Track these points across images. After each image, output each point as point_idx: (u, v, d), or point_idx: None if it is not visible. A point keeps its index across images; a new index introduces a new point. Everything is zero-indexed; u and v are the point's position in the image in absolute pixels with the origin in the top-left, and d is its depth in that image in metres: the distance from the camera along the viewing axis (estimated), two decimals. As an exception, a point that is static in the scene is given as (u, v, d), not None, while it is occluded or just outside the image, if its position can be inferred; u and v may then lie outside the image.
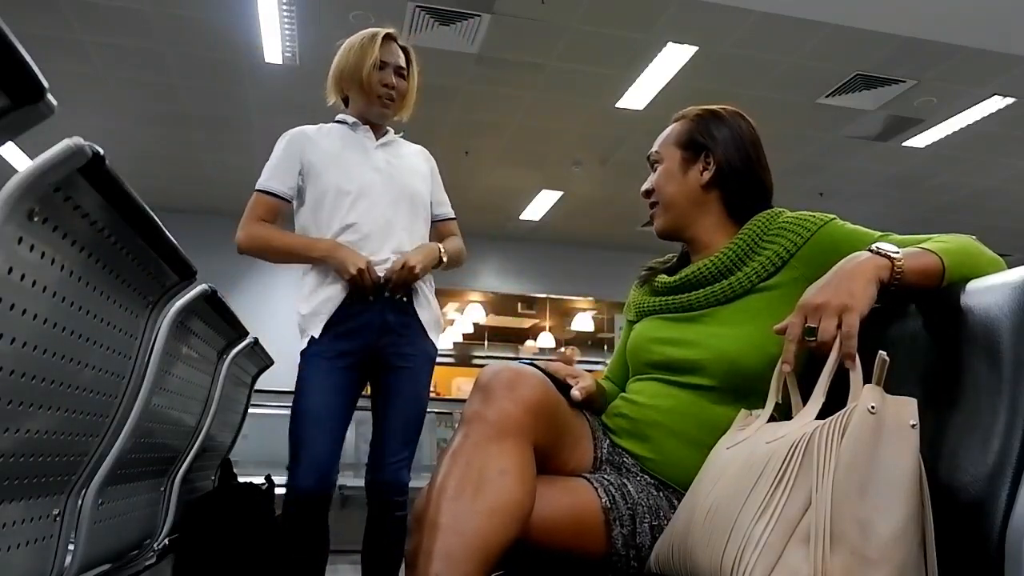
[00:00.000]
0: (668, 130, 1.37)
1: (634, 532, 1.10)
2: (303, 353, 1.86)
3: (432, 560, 0.91)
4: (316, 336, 1.84)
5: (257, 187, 1.93)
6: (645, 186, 1.37)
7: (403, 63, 1.99)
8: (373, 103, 1.95)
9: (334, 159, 1.92)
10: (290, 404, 1.86)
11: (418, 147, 2.11)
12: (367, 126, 1.99)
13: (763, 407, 1.06)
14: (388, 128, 2.04)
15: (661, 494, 1.15)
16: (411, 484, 1.90)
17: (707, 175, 1.29)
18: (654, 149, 1.36)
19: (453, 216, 2.12)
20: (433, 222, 2.09)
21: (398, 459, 1.86)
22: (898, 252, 1.00)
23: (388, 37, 1.98)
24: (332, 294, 1.85)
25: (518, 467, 0.99)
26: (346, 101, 2.04)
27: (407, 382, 1.89)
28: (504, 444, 1.00)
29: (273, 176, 1.92)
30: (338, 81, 2.00)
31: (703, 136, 1.30)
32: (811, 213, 1.24)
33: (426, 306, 1.94)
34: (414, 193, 1.97)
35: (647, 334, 1.31)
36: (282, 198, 1.92)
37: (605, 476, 1.16)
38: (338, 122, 2.01)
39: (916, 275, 1.00)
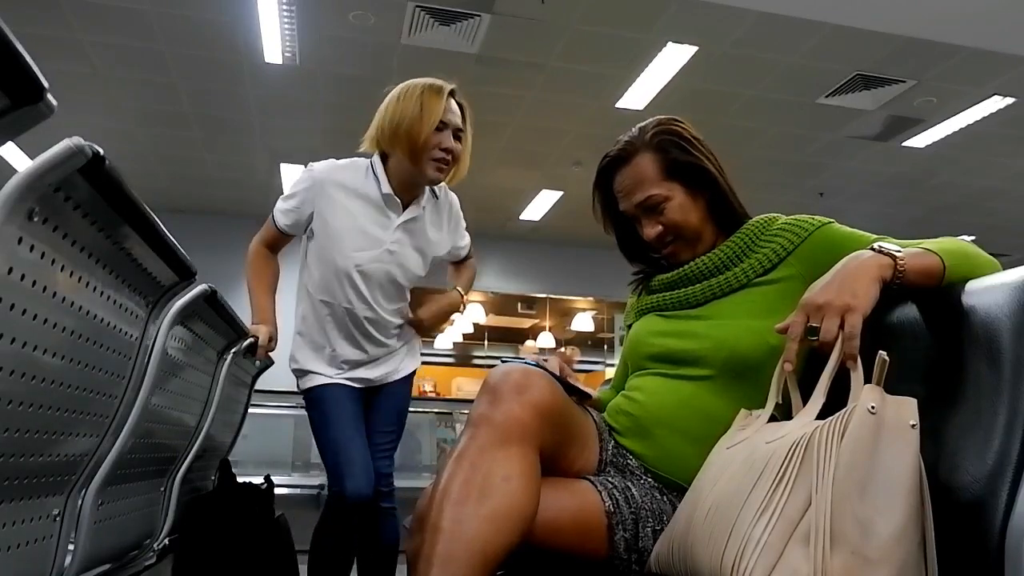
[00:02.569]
0: (632, 171, 1.29)
1: (637, 536, 1.10)
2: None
3: (433, 564, 0.90)
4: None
5: (272, 217, 1.98)
6: (655, 230, 1.28)
7: (461, 124, 1.83)
8: (426, 168, 1.77)
9: (347, 230, 1.86)
10: (290, 404, 1.89)
11: (449, 200, 2.00)
12: (399, 200, 1.86)
13: (763, 402, 1.06)
14: (425, 190, 1.90)
15: (664, 497, 1.15)
16: (410, 484, 1.92)
17: (707, 190, 1.29)
18: (648, 194, 1.27)
19: (470, 248, 2.14)
20: (454, 262, 2.15)
21: (382, 452, 1.94)
22: (900, 251, 1.01)
23: (450, 94, 1.81)
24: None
25: (523, 473, 0.99)
26: (384, 157, 1.87)
27: (391, 397, 2.01)
28: (510, 449, 0.99)
29: (287, 214, 1.94)
30: (387, 136, 1.79)
31: (685, 156, 1.28)
32: (808, 216, 1.26)
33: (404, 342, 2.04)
34: (414, 274, 1.96)
35: (646, 328, 1.32)
36: (288, 234, 1.98)
37: (609, 479, 1.16)
38: (371, 172, 1.87)
39: (917, 274, 1.00)
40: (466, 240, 2.10)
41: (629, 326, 1.43)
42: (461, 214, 2.05)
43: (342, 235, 1.86)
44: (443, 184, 1.92)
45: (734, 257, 1.26)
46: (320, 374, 1.92)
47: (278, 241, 2.00)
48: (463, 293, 2.07)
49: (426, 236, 1.95)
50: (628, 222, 1.35)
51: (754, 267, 1.23)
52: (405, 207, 1.88)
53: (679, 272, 1.29)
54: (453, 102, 1.82)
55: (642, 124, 1.33)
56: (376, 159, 1.87)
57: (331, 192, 1.86)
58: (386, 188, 1.84)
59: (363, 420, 1.92)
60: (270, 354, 2.09)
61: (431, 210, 1.95)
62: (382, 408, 1.98)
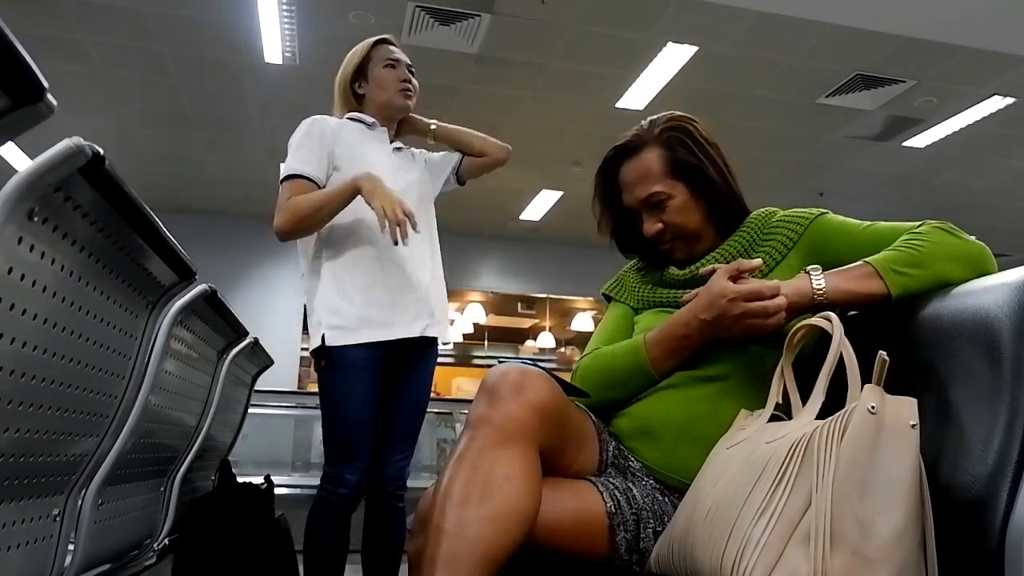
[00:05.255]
0: (639, 164, 1.29)
1: (638, 537, 1.10)
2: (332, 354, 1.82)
3: (436, 566, 0.90)
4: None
5: (289, 172, 1.83)
6: (656, 227, 1.29)
7: (409, 61, 2.02)
8: (395, 98, 1.96)
9: (357, 154, 1.89)
10: (290, 404, 1.88)
11: (420, 151, 2.12)
12: (384, 128, 1.99)
13: (764, 402, 1.07)
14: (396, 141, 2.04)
15: (666, 498, 1.15)
16: (410, 484, 1.92)
17: (708, 193, 1.29)
18: (651, 190, 1.28)
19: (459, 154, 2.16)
20: (460, 167, 2.13)
21: (402, 456, 1.91)
22: (821, 283, 1.10)
23: (385, 41, 2.01)
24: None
25: (524, 472, 0.98)
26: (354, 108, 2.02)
27: (417, 382, 1.94)
28: (510, 449, 0.99)
29: (307, 161, 1.84)
30: (346, 90, 1.98)
31: (690, 156, 1.28)
32: (803, 208, 1.28)
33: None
34: (424, 193, 2.01)
35: (655, 326, 1.28)
36: (318, 183, 1.84)
37: (610, 480, 1.15)
38: (353, 119, 1.97)
39: (846, 296, 1.09)
40: (442, 154, 2.16)
41: (623, 302, 1.41)
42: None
43: (352, 162, 1.86)
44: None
45: (740, 255, 1.27)
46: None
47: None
48: (431, 125, 2.09)
49: (420, 169, 2.05)
50: (627, 214, 1.35)
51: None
52: (390, 139, 2.02)
53: (692, 270, 1.29)
54: (393, 46, 2.01)
55: (654, 117, 1.33)
56: (352, 112, 2.00)
57: (333, 128, 1.91)
58: (370, 120, 1.98)
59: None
60: (270, 354, 2.08)
61: (416, 158, 2.08)
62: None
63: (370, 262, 1.84)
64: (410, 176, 1.98)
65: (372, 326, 1.81)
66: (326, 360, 1.82)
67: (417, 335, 1.84)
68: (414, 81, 2.00)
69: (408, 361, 1.90)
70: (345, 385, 1.80)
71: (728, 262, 1.27)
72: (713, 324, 1.14)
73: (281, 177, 1.85)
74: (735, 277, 1.14)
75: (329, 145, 1.86)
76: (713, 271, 1.18)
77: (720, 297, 1.12)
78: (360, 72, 1.98)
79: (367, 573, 1.91)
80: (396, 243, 1.71)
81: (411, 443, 1.95)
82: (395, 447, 1.90)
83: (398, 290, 1.84)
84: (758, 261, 1.17)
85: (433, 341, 1.92)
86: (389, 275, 1.84)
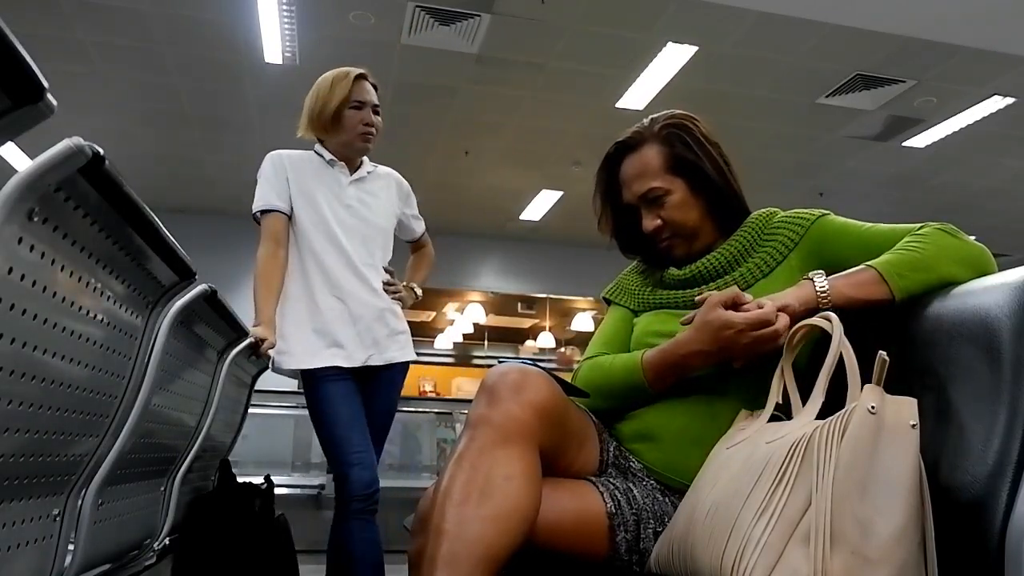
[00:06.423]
0: (639, 160, 1.30)
1: (638, 537, 1.10)
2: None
3: (436, 566, 0.90)
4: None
5: (260, 208, 2.01)
6: (654, 223, 1.29)
7: (376, 100, 2.08)
8: (355, 140, 2.04)
9: (311, 191, 2.02)
10: (290, 404, 1.88)
11: (387, 171, 2.20)
12: (343, 163, 2.07)
13: (764, 402, 1.07)
14: (363, 160, 2.12)
15: (666, 499, 1.15)
16: (411, 484, 1.92)
17: (707, 190, 1.29)
18: (650, 186, 1.28)
19: (424, 229, 2.31)
20: (412, 241, 2.31)
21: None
22: (825, 288, 1.10)
23: (361, 77, 2.06)
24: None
25: (524, 472, 0.98)
26: (319, 139, 2.11)
27: (378, 399, 2.03)
28: (510, 449, 0.99)
29: (272, 192, 2.01)
30: (315, 121, 2.05)
31: (689, 153, 1.28)
32: (804, 209, 1.28)
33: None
34: (382, 227, 2.10)
35: (655, 328, 1.29)
36: (286, 213, 2.01)
37: (611, 480, 1.15)
38: (316, 153, 2.09)
39: (849, 301, 1.08)
40: (419, 216, 2.28)
41: (622, 305, 1.40)
42: (408, 186, 2.23)
43: (304, 199, 2.01)
44: (379, 166, 2.19)
45: (743, 253, 1.27)
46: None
47: (283, 227, 2.02)
48: (418, 295, 2.23)
49: (381, 201, 2.12)
50: (627, 211, 1.34)
51: (759, 267, 1.25)
52: (351, 172, 2.10)
53: (691, 270, 1.29)
54: (366, 83, 2.06)
55: (655, 115, 1.33)
56: (317, 145, 2.10)
57: (290, 162, 2.04)
58: (329, 156, 2.07)
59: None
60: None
61: (379, 175, 2.16)
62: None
63: (311, 303, 1.98)
64: (365, 211, 2.07)
65: (313, 353, 1.95)
66: (302, 379, 1.97)
67: (359, 366, 1.96)
68: (377, 122, 2.06)
69: (370, 380, 2.02)
70: (325, 391, 1.92)
71: (728, 262, 1.27)
72: (719, 354, 1.12)
73: (256, 209, 2.03)
74: (733, 304, 1.11)
75: (284, 177, 2.02)
76: (705, 299, 1.15)
77: (725, 330, 1.09)
78: (331, 108, 2.03)
79: None
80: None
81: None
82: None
83: (339, 327, 1.96)
84: (748, 297, 1.14)
85: (389, 366, 2.04)
86: (328, 313, 1.96)
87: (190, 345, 1.63)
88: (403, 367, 2.08)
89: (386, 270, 2.11)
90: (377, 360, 2.00)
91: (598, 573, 1.10)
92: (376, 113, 2.06)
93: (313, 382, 1.95)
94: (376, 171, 2.16)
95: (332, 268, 1.98)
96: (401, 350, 2.06)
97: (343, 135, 2.03)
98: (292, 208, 2.01)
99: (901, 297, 1.06)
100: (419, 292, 2.26)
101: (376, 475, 1.89)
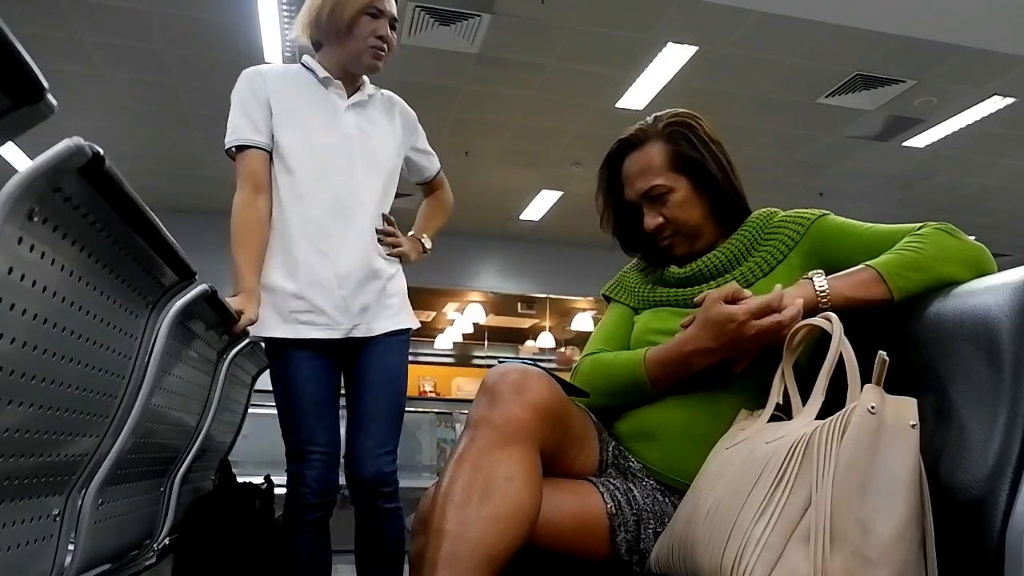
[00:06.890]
0: (642, 157, 1.30)
1: (638, 538, 1.10)
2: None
3: (437, 567, 0.90)
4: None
5: (234, 143, 1.71)
6: (656, 221, 1.29)
7: (395, 13, 1.74)
8: (363, 54, 1.70)
9: (297, 116, 1.70)
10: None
11: (390, 96, 1.86)
12: (339, 81, 1.74)
13: (764, 402, 1.07)
14: (364, 79, 1.79)
15: (667, 499, 1.15)
16: (411, 484, 1.89)
17: (710, 189, 1.29)
18: (653, 183, 1.28)
19: (440, 167, 1.96)
20: (423, 183, 1.96)
21: (377, 448, 1.70)
22: (825, 287, 1.10)
23: None
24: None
25: (524, 473, 0.98)
26: (317, 45, 1.77)
27: (378, 361, 1.72)
28: (510, 449, 0.99)
29: (248, 123, 1.70)
30: (320, 24, 1.70)
31: (692, 151, 1.28)
32: (804, 209, 1.29)
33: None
34: (384, 164, 1.77)
35: (654, 326, 1.29)
36: (267, 150, 1.71)
37: (611, 480, 1.15)
38: (304, 67, 1.76)
39: (848, 302, 1.08)
40: (430, 150, 1.93)
41: (622, 303, 1.40)
42: (415, 116, 1.89)
43: (291, 124, 1.70)
44: (382, 90, 1.84)
45: (744, 251, 1.27)
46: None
47: (264, 167, 1.73)
48: (426, 248, 1.88)
49: (385, 129, 1.79)
50: (629, 209, 1.35)
51: (760, 265, 1.25)
52: (349, 95, 1.76)
53: (692, 268, 1.29)
54: None
55: (659, 113, 1.34)
56: (307, 57, 1.78)
57: (273, 79, 1.73)
58: (323, 73, 1.73)
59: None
60: None
61: (381, 101, 1.82)
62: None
63: (287, 257, 1.70)
64: (366, 143, 1.74)
65: (283, 319, 1.67)
66: (266, 351, 1.71)
67: (340, 337, 1.67)
68: (392, 39, 1.71)
69: (359, 349, 1.73)
70: (292, 368, 1.67)
71: (728, 261, 1.27)
72: (723, 351, 1.12)
73: (229, 144, 1.74)
74: (732, 299, 1.12)
75: (266, 102, 1.72)
76: (703, 299, 1.15)
77: (728, 323, 1.10)
78: (344, 13, 1.68)
79: None
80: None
81: (384, 430, 1.71)
82: (364, 435, 1.69)
83: (320, 289, 1.67)
84: (747, 292, 1.14)
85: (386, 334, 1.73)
86: (307, 271, 1.67)
87: (190, 345, 1.63)
88: (400, 334, 1.75)
89: (385, 218, 1.77)
90: (363, 332, 1.69)
91: (598, 573, 1.10)
92: (392, 28, 1.71)
93: (279, 355, 1.67)
94: (378, 95, 1.81)
95: (319, 215, 1.67)
96: (393, 317, 1.73)
97: (350, 45, 1.68)
98: (273, 138, 1.70)
99: (900, 297, 1.06)
100: (428, 245, 1.89)
101: (338, 478, 1.67)
